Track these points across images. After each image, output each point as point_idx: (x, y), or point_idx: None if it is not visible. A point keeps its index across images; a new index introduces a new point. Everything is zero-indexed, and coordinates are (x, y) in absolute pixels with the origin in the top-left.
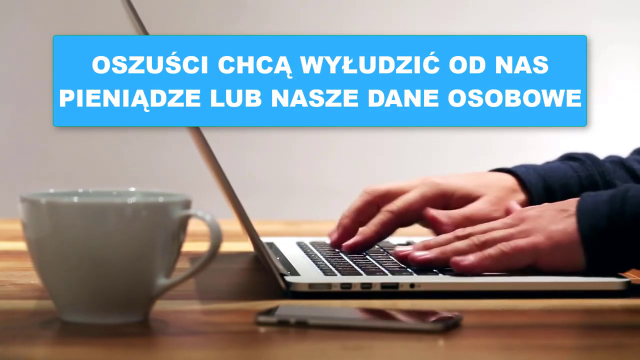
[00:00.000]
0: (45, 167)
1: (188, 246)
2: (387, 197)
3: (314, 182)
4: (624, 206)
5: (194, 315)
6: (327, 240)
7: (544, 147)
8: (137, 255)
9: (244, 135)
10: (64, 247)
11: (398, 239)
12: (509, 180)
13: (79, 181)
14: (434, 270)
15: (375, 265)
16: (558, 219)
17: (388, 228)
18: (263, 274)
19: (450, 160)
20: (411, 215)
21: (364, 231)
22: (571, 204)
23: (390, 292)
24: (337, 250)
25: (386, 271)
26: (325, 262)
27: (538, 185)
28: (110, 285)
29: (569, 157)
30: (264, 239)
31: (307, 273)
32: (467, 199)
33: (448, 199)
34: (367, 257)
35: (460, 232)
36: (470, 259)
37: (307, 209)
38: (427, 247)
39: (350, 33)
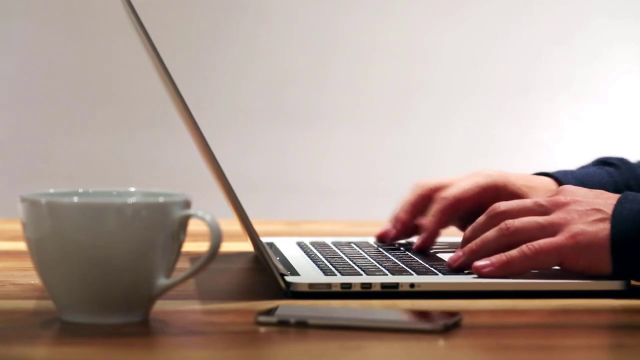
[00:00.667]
0: (45, 167)
1: (188, 246)
2: (439, 190)
3: (314, 182)
4: None
5: (194, 315)
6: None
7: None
8: (137, 255)
9: (245, 134)
10: (64, 247)
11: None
12: (552, 184)
13: (79, 181)
14: (434, 270)
15: (375, 265)
16: (590, 219)
17: (447, 215)
18: (263, 274)
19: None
20: (466, 203)
21: (425, 225)
22: (608, 204)
23: (390, 292)
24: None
25: (386, 271)
26: (325, 262)
27: None
28: (111, 285)
29: (604, 162)
30: (264, 239)
31: (307, 273)
32: (516, 195)
33: (499, 191)
34: (367, 257)
35: (494, 212)
36: (492, 263)
37: (307, 209)
38: (465, 238)
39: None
